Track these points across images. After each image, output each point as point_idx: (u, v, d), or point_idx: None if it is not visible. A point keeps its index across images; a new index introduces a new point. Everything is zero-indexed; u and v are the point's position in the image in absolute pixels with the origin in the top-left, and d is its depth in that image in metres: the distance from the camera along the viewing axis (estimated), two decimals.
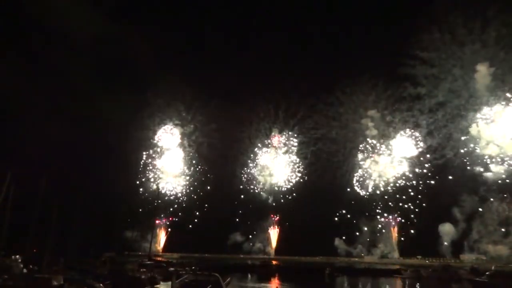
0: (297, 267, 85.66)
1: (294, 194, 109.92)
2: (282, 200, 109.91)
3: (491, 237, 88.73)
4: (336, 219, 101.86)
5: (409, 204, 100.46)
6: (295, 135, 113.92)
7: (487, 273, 49.78)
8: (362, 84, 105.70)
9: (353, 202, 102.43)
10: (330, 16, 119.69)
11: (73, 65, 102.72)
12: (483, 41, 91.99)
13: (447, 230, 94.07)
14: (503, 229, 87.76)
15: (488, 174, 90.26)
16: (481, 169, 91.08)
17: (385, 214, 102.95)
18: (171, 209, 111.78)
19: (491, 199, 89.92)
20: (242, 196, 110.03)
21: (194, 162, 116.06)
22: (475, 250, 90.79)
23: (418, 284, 60.93)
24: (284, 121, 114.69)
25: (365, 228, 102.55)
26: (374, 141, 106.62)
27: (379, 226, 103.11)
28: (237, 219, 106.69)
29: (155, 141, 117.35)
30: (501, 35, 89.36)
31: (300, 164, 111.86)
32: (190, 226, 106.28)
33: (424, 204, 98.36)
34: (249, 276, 67.94)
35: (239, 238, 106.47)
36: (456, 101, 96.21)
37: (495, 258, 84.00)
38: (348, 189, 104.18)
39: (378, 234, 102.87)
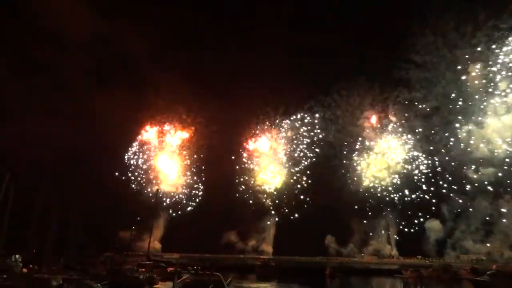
0: (297, 267, 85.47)
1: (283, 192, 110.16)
2: (277, 202, 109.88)
3: (473, 236, 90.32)
4: (330, 219, 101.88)
5: (402, 203, 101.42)
6: (293, 136, 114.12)
7: (488, 272, 49.66)
8: (358, 87, 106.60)
9: (347, 202, 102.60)
10: (327, 19, 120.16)
11: (72, 64, 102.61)
12: (475, 44, 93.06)
13: (434, 227, 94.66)
14: (485, 228, 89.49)
15: (477, 176, 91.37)
16: (471, 170, 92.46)
17: (380, 213, 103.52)
18: (170, 209, 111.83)
19: (477, 199, 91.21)
20: (237, 195, 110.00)
21: (193, 163, 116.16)
22: (457, 248, 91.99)
23: (418, 284, 60.82)
24: (282, 123, 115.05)
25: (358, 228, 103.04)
26: (370, 143, 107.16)
27: (372, 225, 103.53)
28: (234, 219, 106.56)
29: (154, 142, 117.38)
30: (493, 39, 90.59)
31: (297, 165, 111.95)
32: (188, 226, 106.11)
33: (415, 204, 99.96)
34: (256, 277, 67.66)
35: (233, 238, 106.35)
36: (448, 104, 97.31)
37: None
38: (342, 190, 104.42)
39: (370, 234, 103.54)
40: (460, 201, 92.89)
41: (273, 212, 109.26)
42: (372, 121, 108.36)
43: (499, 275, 46.83)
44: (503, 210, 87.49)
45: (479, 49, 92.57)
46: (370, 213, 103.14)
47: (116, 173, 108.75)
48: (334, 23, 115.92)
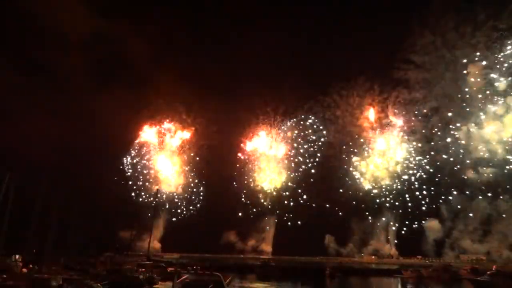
0: (297, 267, 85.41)
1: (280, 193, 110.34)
2: (277, 202, 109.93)
3: (471, 235, 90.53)
4: (329, 219, 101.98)
5: (401, 203, 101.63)
6: (293, 136, 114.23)
7: (488, 272, 49.72)
8: (358, 87, 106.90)
9: (347, 202, 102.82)
10: (326, 20, 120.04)
11: (72, 64, 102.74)
12: (474, 45, 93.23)
13: (433, 227, 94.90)
14: (484, 228, 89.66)
15: (476, 176, 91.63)
16: (470, 171, 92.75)
17: (379, 213, 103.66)
18: (170, 209, 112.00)
19: (475, 199, 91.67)
20: (237, 195, 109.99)
21: (193, 163, 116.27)
22: (456, 248, 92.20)
23: (419, 284, 60.83)
24: (282, 123, 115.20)
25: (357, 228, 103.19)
26: (369, 143, 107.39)
27: (371, 225, 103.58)
28: (234, 219, 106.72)
29: (154, 142, 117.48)
30: (492, 39, 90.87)
31: (297, 165, 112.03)
32: (188, 226, 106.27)
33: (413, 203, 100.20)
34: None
35: (233, 238, 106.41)
36: (447, 105, 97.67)
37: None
38: (341, 190, 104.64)
39: (370, 234, 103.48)
40: (459, 201, 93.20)
41: (272, 212, 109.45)
42: (372, 121, 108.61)
43: (499, 275, 46.88)
44: (502, 210, 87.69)
45: (478, 50, 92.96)
46: (369, 213, 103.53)
47: (116, 173, 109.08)
48: (334, 23, 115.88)
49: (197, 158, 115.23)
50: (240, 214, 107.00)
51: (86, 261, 56.55)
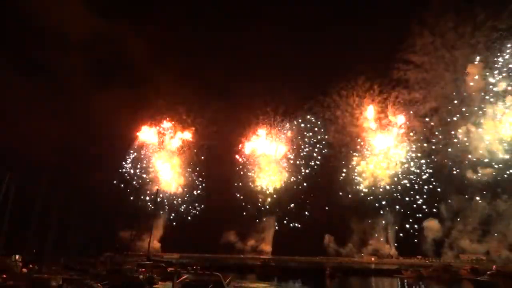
0: (297, 267, 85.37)
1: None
2: (276, 202, 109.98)
3: (470, 235, 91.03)
4: (329, 218, 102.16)
5: (401, 203, 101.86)
6: (293, 137, 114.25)
7: (488, 272, 49.77)
8: (357, 87, 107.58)
9: (346, 202, 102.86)
10: (326, 20, 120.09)
11: (72, 63, 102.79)
12: (473, 45, 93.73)
13: (432, 226, 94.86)
14: (483, 228, 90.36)
15: (475, 176, 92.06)
16: (469, 171, 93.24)
17: (378, 213, 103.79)
18: (170, 209, 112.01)
19: (475, 200, 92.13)
20: (237, 195, 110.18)
21: (193, 163, 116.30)
22: (454, 248, 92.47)
23: (419, 284, 60.76)
24: (282, 123, 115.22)
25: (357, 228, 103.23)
26: (369, 143, 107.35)
27: (371, 225, 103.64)
28: (234, 219, 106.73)
29: (154, 142, 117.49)
30: (492, 39, 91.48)
31: (297, 165, 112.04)
32: (187, 226, 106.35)
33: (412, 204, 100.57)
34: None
35: (233, 238, 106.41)
36: (447, 105, 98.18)
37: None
38: (340, 193, 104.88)
39: (369, 234, 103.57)
40: (458, 201, 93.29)
41: (272, 212, 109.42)
42: (371, 122, 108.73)
43: (499, 275, 46.93)
44: (501, 210, 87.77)
45: (478, 50, 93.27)
46: (369, 213, 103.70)
47: (116, 173, 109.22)
48: (334, 23, 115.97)
49: (200, 158, 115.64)
50: (240, 214, 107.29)
51: (86, 261, 56.46)
